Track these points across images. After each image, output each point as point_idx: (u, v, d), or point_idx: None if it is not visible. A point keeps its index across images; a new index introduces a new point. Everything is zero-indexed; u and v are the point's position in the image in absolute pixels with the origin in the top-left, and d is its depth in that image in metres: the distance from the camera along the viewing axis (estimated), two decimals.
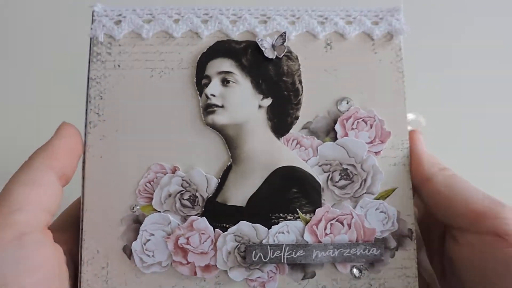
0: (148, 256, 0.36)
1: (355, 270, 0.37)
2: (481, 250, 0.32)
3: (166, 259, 0.36)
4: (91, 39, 0.39)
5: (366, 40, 0.40)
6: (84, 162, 0.37)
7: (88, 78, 0.39)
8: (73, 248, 0.36)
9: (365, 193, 0.38)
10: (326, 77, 0.39)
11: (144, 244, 0.37)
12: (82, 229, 0.37)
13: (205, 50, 0.39)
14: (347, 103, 0.39)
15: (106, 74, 0.39)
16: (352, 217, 0.37)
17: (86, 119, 0.38)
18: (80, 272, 0.36)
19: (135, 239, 0.37)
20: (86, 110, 0.38)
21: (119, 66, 0.39)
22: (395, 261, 0.37)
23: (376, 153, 0.38)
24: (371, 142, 0.38)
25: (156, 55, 0.39)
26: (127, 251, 0.37)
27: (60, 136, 0.35)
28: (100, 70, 0.39)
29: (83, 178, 0.37)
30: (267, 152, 0.38)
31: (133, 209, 0.37)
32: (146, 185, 0.37)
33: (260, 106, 0.38)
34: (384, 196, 0.38)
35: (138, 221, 0.37)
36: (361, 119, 0.39)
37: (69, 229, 0.37)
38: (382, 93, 0.39)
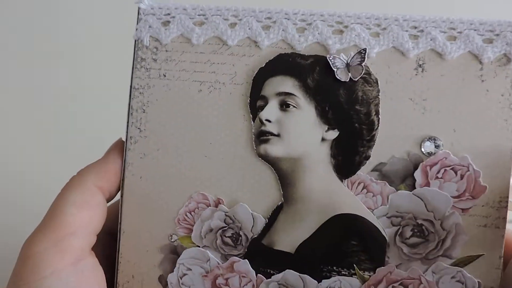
0: None
1: None
2: None
3: None
4: (135, 41, 0.33)
5: (472, 62, 0.30)
6: (123, 181, 0.34)
7: (130, 87, 0.34)
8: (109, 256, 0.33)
9: (441, 255, 0.30)
10: (411, 109, 0.30)
11: (181, 278, 0.33)
12: (118, 250, 0.34)
13: (263, 65, 0.32)
14: (435, 145, 0.30)
15: (151, 84, 0.33)
16: (421, 283, 0.31)
17: (127, 133, 0.34)
18: None
19: (172, 270, 0.33)
20: (127, 123, 0.34)
21: (164, 76, 0.33)
22: None
23: (463, 210, 0.30)
24: (458, 196, 0.30)
25: (207, 66, 0.32)
26: (163, 282, 0.33)
27: (113, 155, 0.32)
28: (144, 79, 0.33)
29: (122, 197, 0.34)
30: (326, 194, 0.31)
31: (171, 238, 0.33)
32: (186, 215, 0.33)
33: (323, 139, 0.31)
34: (464, 262, 0.30)
35: (176, 252, 0.33)
36: (450, 167, 0.30)
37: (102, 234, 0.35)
38: (483, 135, 0.30)
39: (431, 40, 0.29)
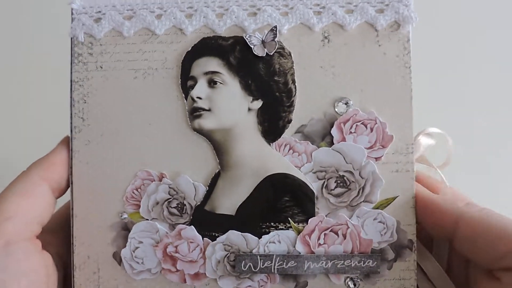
0: (138, 263, 0.34)
1: (349, 281, 0.33)
2: None
3: (156, 266, 0.33)
4: (71, 39, 0.35)
5: (369, 31, 0.33)
6: (71, 168, 0.35)
7: (71, 81, 0.35)
8: (63, 250, 0.33)
9: (363, 201, 0.33)
10: (322, 75, 0.33)
11: (133, 252, 0.34)
12: (72, 235, 0.35)
13: (189, 49, 0.34)
14: (346, 104, 0.33)
15: (89, 76, 0.35)
16: (348, 227, 0.33)
17: (71, 123, 0.35)
18: (73, 277, 0.34)
19: (125, 246, 0.33)
20: (71, 114, 0.35)
21: (101, 67, 0.35)
22: (392, 272, 0.33)
23: (377, 158, 0.33)
24: (371, 147, 0.33)
25: (139, 55, 0.34)
26: (117, 258, 0.34)
27: (59, 149, 0.33)
28: (82, 72, 0.35)
29: (71, 184, 0.35)
30: (257, 158, 0.33)
31: (121, 216, 0.35)
32: (133, 192, 0.34)
33: (249, 109, 0.33)
34: (384, 205, 0.33)
35: (126, 228, 0.34)
36: (361, 122, 0.33)
37: (59, 231, 0.34)
38: (385, 91, 0.33)
39: (332, 14, 0.32)
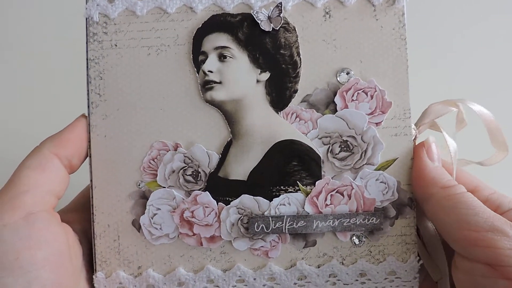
0: (156, 229, 0.35)
1: (354, 238, 0.35)
2: (474, 279, 0.26)
3: (173, 231, 0.34)
4: (86, 19, 0.35)
5: (366, 6, 0.35)
6: (89, 142, 0.36)
7: (87, 59, 0.36)
8: (87, 227, 0.33)
9: (366, 164, 0.33)
10: (324, 48, 0.35)
11: (152, 218, 0.35)
12: (92, 205, 0.35)
13: (200, 25, 0.35)
14: (347, 74, 0.35)
15: (104, 54, 0.35)
16: (352, 188, 0.34)
17: (88, 99, 0.36)
18: (94, 245, 0.35)
19: (143, 213, 0.34)
20: (88, 90, 0.36)
21: (116, 45, 0.35)
22: (394, 229, 0.34)
23: (377, 124, 0.34)
24: (371, 113, 0.34)
25: (152, 33, 0.35)
26: (136, 225, 0.34)
27: (73, 126, 0.33)
28: (98, 51, 0.35)
29: (90, 156, 0.35)
30: (267, 126, 0.34)
31: (139, 185, 0.35)
32: (150, 162, 0.35)
33: (258, 81, 0.34)
34: (384, 166, 0.35)
35: (144, 197, 0.35)
36: (361, 90, 0.34)
37: (82, 209, 0.34)
38: (383, 62, 0.34)
39: None
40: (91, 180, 0.33)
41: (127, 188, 0.33)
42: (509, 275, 0.25)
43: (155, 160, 0.33)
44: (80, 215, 0.33)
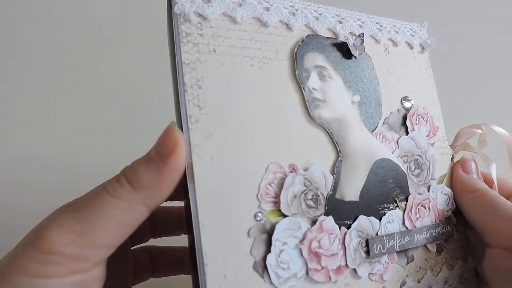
0: (284, 269, 0.27)
1: (438, 247, 0.36)
2: (493, 262, 0.29)
3: (301, 269, 0.27)
4: (176, 15, 0.27)
5: (408, 48, 0.40)
6: (190, 166, 0.25)
7: (177, 62, 0.27)
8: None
9: (431, 179, 0.37)
10: (390, 78, 0.37)
11: (279, 256, 0.27)
12: (199, 250, 0.24)
13: (300, 43, 0.32)
14: (409, 101, 0.38)
15: (202, 59, 0.27)
16: (430, 201, 0.36)
17: (182, 112, 0.26)
18: None
19: (268, 252, 0.26)
20: (181, 101, 0.26)
21: (214, 51, 0.28)
22: (458, 234, 0.38)
23: (432, 144, 0.38)
24: (428, 135, 0.38)
25: (252, 43, 0.30)
26: (259, 268, 0.26)
27: (173, 163, 0.23)
28: (193, 54, 0.27)
29: (192, 183, 0.25)
30: (366, 145, 0.32)
31: (258, 217, 0.27)
32: (267, 188, 0.27)
33: (352, 102, 0.33)
34: (441, 180, 0.38)
35: (265, 231, 0.27)
36: (420, 116, 0.38)
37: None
38: (425, 93, 0.39)
39: (388, 32, 0.37)
40: (194, 217, 0.24)
41: (244, 223, 0.25)
42: None
43: (272, 185, 0.27)
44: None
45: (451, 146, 0.37)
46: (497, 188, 0.35)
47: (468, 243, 0.35)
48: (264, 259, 0.25)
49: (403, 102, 0.34)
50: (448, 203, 0.34)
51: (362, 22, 0.34)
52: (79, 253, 0.21)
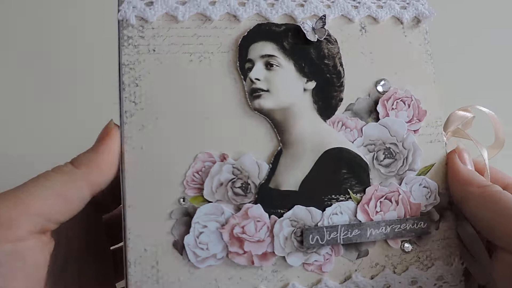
0: (202, 249, 0.29)
1: (406, 245, 0.32)
2: None
3: (221, 251, 0.28)
4: (119, 21, 0.30)
5: (396, 23, 0.34)
6: (122, 155, 0.29)
7: (119, 64, 0.30)
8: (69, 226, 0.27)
9: (408, 169, 0.31)
10: (363, 60, 0.33)
11: (197, 237, 0.29)
12: (125, 227, 0.28)
13: (245, 33, 0.32)
14: (386, 84, 0.34)
15: (140, 59, 0.30)
16: (399, 194, 0.32)
17: (120, 108, 0.30)
18: (127, 274, 0.28)
19: (187, 232, 0.29)
20: (120, 98, 0.30)
21: (154, 50, 0.30)
22: (438, 232, 0.31)
23: (415, 131, 0.32)
24: (409, 121, 0.33)
25: (194, 39, 0.31)
26: (178, 247, 0.28)
27: (108, 145, 0.26)
28: (133, 55, 0.30)
29: (122, 171, 0.29)
30: (315, 134, 0.30)
31: (182, 201, 0.29)
32: (194, 175, 0.30)
33: (305, 89, 0.30)
34: (424, 172, 0.33)
35: (188, 214, 0.29)
36: (400, 99, 0.33)
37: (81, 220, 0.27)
38: (414, 74, 0.32)
39: (367, 8, 0.33)
40: (123, 199, 0.27)
41: (168, 206, 0.27)
42: None
43: (200, 173, 0.28)
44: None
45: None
46: (489, 176, 0.29)
47: (458, 243, 0.31)
48: (183, 238, 0.27)
49: (376, 85, 0.31)
50: (429, 197, 0.31)
51: (332, 2, 0.31)
52: (11, 218, 0.21)
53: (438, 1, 0.34)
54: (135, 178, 0.26)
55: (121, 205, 0.26)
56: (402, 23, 0.32)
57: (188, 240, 0.26)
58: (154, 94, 0.27)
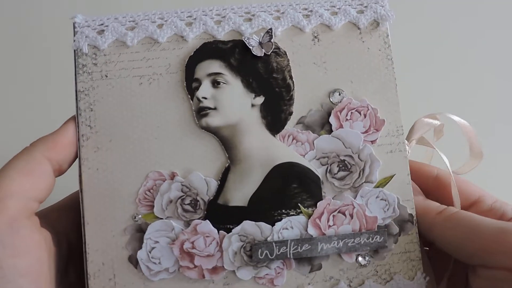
0: (155, 263, 0.30)
1: (360, 259, 0.31)
2: (496, 284, 0.24)
3: (173, 265, 0.29)
4: (75, 51, 0.32)
5: (353, 29, 0.33)
6: (80, 176, 0.31)
7: (76, 91, 0.32)
8: (71, 228, 0.30)
9: (364, 182, 0.30)
10: (316, 70, 0.32)
11: (150, 252, 0.30)
12: (85, 242, 0.30)
13: (192, 53, 0.31)
14: (339, 94, 0.32)
15: (94, 85, 0.31)
16: (354, 207, 0.31)
17: (78, 132, 0.31)
18: (87, 286, 0.30)
19: (140, 248, 0.29)
20: (77, 123, 0.32)
21: (106, 76, 0.31)
22: (398, 246, 0.30)
23: (372, 141, 0.31)
24: (366, 132, 0.31)
25: (143, 62, 0.32)
26: (133, 261, 0.29)
27: (65, 129, 0.29)
28: (87, 82, 0.31)
29: (81, 191, 0.31)
30: (264, 150, 0.30)
31: (135, 218, 0.30)
32: (146, 193, 0.31)
33: (253, 105, 0.30)
34: (383, 183, 0.31)
35: (141, 230, 0.30)
36: (355, 109, 0.32)
37: (69, 210, 0.30)
38: (372, 81, 0.31)
39: (319, 16, 0.31)
40: (82, 217, 0.29)
41: (122, 222, 0.28)
42: None
43: (151, 191, 0.29)
44: (66, 215, 0.30)
45: (407, 140, 0.31)
46: (455, 185, 0.28)
47: (421, 256, 0.30)
48: (137, 253, 0.28)
49: (330, 96, 0.30)
50: (387, 210, 0.29)
51: (281, 13, 0.31)
52: None
53: (400, 2, 0.31)
54: (92, 197, 0.28)
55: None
56: (359, 28, 0.30)
57: (141, 254, 0.27)
58: (107, 117, 0.29)
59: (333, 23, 0.30)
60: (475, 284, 0.26)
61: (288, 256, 0.28)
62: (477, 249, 0.24)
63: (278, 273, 0.28)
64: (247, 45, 0.29)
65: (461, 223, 0.26)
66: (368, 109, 0.29)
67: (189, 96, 0.29)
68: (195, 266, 0.28)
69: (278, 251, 0.27)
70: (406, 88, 0.31)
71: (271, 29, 0.29)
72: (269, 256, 0.27)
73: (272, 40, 0.29)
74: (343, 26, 0.30)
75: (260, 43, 0.29)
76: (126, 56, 0.29)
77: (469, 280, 0.27)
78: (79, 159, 0.28)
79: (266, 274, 0.28)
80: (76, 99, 0.29)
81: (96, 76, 0.29)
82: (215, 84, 0.29)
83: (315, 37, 0.30)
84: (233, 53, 0.29)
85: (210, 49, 0.29)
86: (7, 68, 0.49)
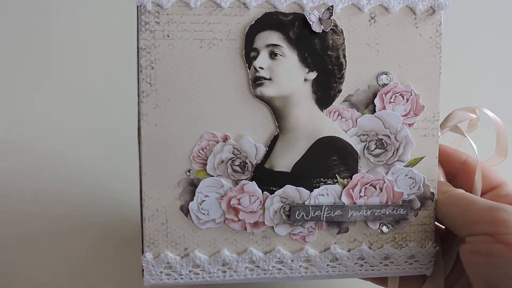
0: (204, 214, 0.33)
1: (383, 227, 0.34)
2: (475, 246, 0.27)
3: (220, 217, 0.31)
4: (138, 7, 0.31)
5: (408, 14, 0.32)
6: (139, 129, 0.32)
7: (138, 48, 0.32)
8: None
9: (397, 160, 0.31)
10: (368, 51, 0.32)
11: (200, 204, 0.33)
12: (141, 190, 0.32)
13: (253, 22, 0.31)
14: (387, 77, 0.33)
15: (156, 44, 0.31)
16: (384, 182, 0.33)
17: (138, 88, 0.32)
18: (142, 227, 0.33)
19: (192, 199, 0.31)
20: (138, 79, 0.32)
21: (168, 36, 0.31)
22: (417, 219, 0.32)
23: (410, 125, 0.33)
24: (406, 115, 0.33)
25: (205, 26, 0.32)
26: (184, 210, 0.31)
27: None
28: (149, 40, 0.31)
29: (139, 143, 0.32)
30: (311, 123, 0.31)
31: (188, 173, 0.33)
32: (199, 152, 0.32)
33: (305, 80, 0.31)
34: (413, 163, 0.33)
35: (193, 184, 0.33)
36: (399, 93, 0.33)
37: None
38: (419, 67, 0.31)
39: None
40: (140, 167, 0.30)
41: (177, 176, 0.30)
42: (504, 240, 0.26)
43: (204, 150, 0.30)
44: None
45: (440, 127, 0.32)
46: (480, 173, 0.30)
47: (433, 231, 0.33)
48: (188, 204, 0.31)
49: (378, 78, 0.31)
50: (413, 187, 0.32)
51: None
52: None
53: None
54: (150, 150, 0.30)
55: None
56: (415, 13, 0.30)
57: (192, 205, 0.30)
58: (167, 77, 0.29)
59: (391, 6, 0.30)
60: (461, 249, 0.29)
61: (322, 219, 0.30)
62: (467, 222, 0.27)
63: (310, 232, 0.31)
64: (308, 20, 0.29)
65: (457, 201, 0.29)
66: (411, 94, 0.30)
67: (247, 65, 0.29)
68: (239, 220, 0.30)
69: (313, 214, 0.30)
70: (449, 78, 0.31)
71: (332, 6, 0.29)
72: (305, 218, 0.30)
73: (331, 18, 0.29)
74: (400, 9, 0.30)
75: (320, 19, 0.29)
76: (188, 18, 0.29)
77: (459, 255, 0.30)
78: (139, 113, 0.29)
79: (300, 232, 0.31)
80: (138, 56, 0.29)
81: (158, 35, 0.29)
82: (273, 55, 0.29)
83: (372, 17, 0.30)
84: (292, 26, 0.29)
85: (271, 20, 0.29)
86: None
